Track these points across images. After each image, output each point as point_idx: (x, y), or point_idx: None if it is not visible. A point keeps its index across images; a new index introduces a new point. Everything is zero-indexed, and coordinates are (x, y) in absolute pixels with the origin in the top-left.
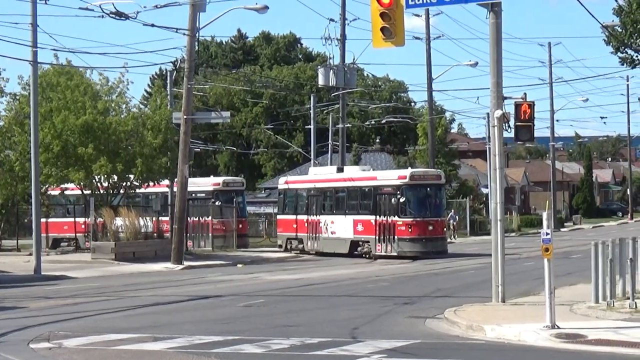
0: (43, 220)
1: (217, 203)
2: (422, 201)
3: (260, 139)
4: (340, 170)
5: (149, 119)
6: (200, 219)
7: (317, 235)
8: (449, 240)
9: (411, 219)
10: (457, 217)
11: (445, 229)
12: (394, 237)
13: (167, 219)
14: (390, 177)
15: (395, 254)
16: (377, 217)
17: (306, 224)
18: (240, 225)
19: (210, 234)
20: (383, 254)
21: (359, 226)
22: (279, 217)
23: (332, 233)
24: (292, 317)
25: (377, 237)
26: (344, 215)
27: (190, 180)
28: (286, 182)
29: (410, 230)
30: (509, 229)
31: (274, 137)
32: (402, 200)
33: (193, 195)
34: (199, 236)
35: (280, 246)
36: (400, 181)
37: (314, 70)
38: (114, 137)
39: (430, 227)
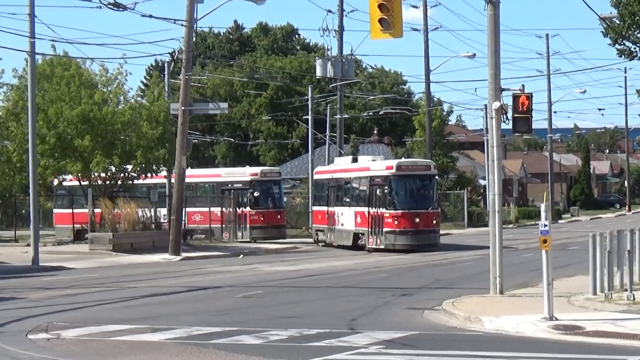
0: (67, 211)
1: (255, 194)
2: (409, 192)
3: (260, 129)
4: (354, 160)
5: (146, 110)
6: (237, 209)
7: (333, 227)
8: None
9: (398, 211)
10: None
11: (436, 221)
12: (382, 230)
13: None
14: (380, 167)
15: (383, 247)
16: (370, 209)
17: (326, 216)
18: (279, 216)
19: (248, 225)
20: (374, 246)
21: (358, 218)
22: (312, 208)
23: (341, 225)
24: (291, 308)
25: (369, 230)
26: (349, 207)
27: (227, 170)
28: (316, 172)
29: (397, 222)
30: (506, 220)
31: (273, 128)
32: (389, 191)
33: (229, 185)
34: (236, 227)
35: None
36: (388, 172)
37: (312, 61)
38: (111, 128)
39: (418, 220)
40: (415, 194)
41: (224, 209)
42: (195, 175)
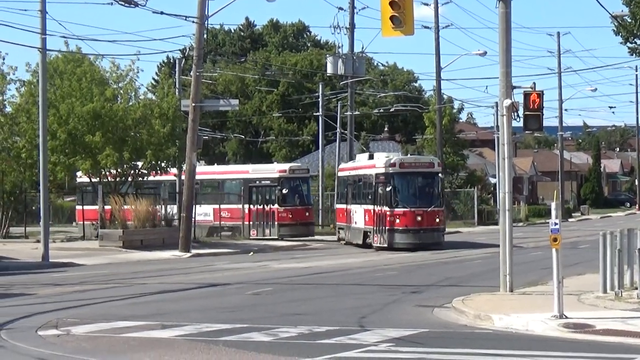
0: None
1: (283, 191)
2: (411, 190)
3: (271, 127)
4: (370, 157)
5: (157, 107)
6: (265, 206)
7: (350, 225)
8: None
9: (400, 209)
10: None
11: (439, 220)
12: (385, 228)
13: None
14: (383, 164)
15: (386, 245)
16: (375, 206)
17: (345, 213)
18: (307, 214)
19: (276, 223)
20: (379, 245)
21: (366, 216)
22: (335, 205)
23: (355, 223)
24: (300, 306)
25: (374, 228)
26: (360, 205)
27: (254, 166)
28: (339, 170)
29: (398, 221)
30: (516, 218)
31: (284, 125)
32: (392, 188)
33: (257, 182)
34: (264, 224)
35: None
36: (391, 169)
37: (324, 58)
38: (122, 124)
39: (420, 218)
40: (418, 191)
41: (251, 206)
42: (223, 172)
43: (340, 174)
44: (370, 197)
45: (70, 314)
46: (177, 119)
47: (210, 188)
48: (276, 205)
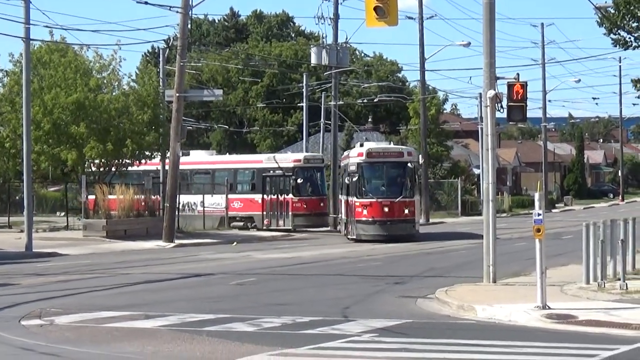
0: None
1: (297, 180)
2: (379, 180)
3: (255, 117)
4: (361, 146)
5: (135, 94)
6: (280, 196)
7: (337, 216)
8: None
9: (367, 200)
10: None
11: (409, 211)
12: (353, 219)
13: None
14: (354, 154)
15: (355, 237)
16: (348, 197)
17: (340, 205)
18: (321, 204)
19: (290, 212)
20: (350, 237)
21: (343, 206)
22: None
23: (341, 214)
24: (284, 296)
25: (346, 219)
26: (345, 196)
27: (269, 156)
28: (341, 160)
29: (365, 212)
30: (500, 209)
31: (269, 116)
32: (359, 179)
33: (271, 172)
34: (278, 214)
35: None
36: (359, 159)
37: (308, 48)
38: (106, 115)
39: (386, 209)
40: (386, 181)
41: (265, 196)
42: (235, 161)
43: (341, 164)
44: (347, 188)
45: (53, 304)
46: (157, 107)
47: (222, 177)
48: (290, 195)
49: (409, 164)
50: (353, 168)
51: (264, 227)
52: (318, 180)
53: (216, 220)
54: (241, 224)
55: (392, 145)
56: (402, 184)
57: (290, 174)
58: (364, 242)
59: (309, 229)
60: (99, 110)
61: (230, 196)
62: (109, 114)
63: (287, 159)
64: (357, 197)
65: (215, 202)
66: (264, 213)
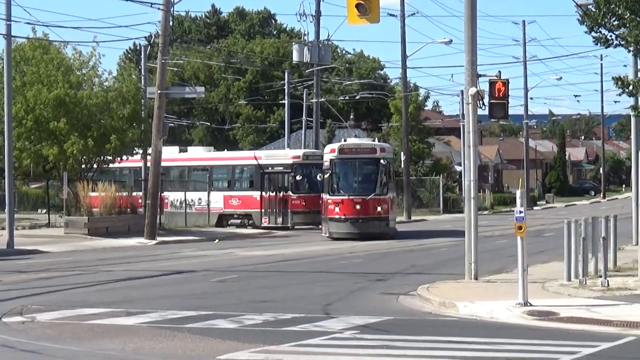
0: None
1: (297, 177)
2: (350, 177)
3: (238, 113)
4: (345, 142)
5: (114, 90)
6: (278, 193)
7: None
8: None
9: (337, 197)
10: None
11: (382, 209)
12: (327, 217)
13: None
14: (328, 151)
15: (327, 235)
16: (324, 195)
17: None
18: (320, 201)
19: (289, 210)
20: (323, 234)
21: (321, 204)
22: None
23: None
24: (266, 293)
25: (322, 217)
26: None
27: (267, 152)
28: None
29: (337, 209)
30: (482, 206)
31: (252, 112)
32: (332, 176)
33: (270, 168)
34: (276, 212)
35: None
36: (332, 155)
37: (290, 45)
38: (86, 111)
39: (358, 207)
40: (357, 178)
41: (263, 193)
42: (233, 157)
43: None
44: (321, 185)
45: (35, 301)
46: (137, 103)
47: (219, 174)
48: (289, 192)
49: (382, 161)
50: (327, 165)
51: (262, 225)
52: (317, 177)
53: (214, 218)
54: (238, 221)
55: (364, 141)
56: (375, 181)
57: (289, 170)
58: (343, 240)
59: (307, 226)
60: (79, 107)
61: (228, 193)
62: (89, 110)
63: (286, 155)
64: (329, 195)
65: (213, 199)
66: (263, 210)
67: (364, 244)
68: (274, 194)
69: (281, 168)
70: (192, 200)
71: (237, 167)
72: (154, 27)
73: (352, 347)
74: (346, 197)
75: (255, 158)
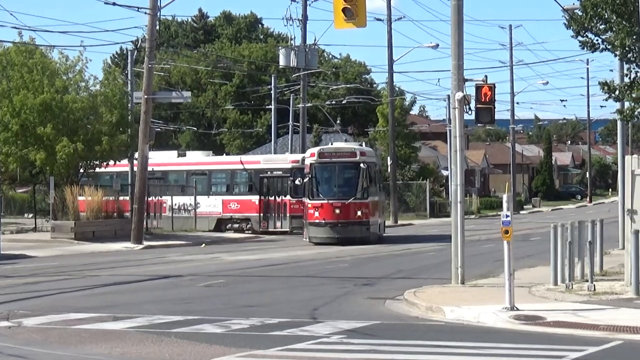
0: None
1: (296, 181)
2: (330, 181)
3: (225, 118)
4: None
5: (103, 96)
6: (277, 198)
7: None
8: None
9: (317, 201)
10: None
11: (362, 213)
12: (307, 222)
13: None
14: (308, 154)
15: (307, 239)
16: (305, 199)
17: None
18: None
19: (288, 214)
20: (304, 239)
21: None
22: None
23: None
24: (252, 298)
25: (303, 222)
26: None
27: (266, 157)
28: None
29: (317, 214)
30: (468, 211)
31: (239, 117)
32: (311, 180)
33: (269, 172)
34: (275, 216)
35: None
36: (312, 159)
37: (277, 50)
38: (72, 116)
39: (338, 211)
40: (337, 182)
41: (262, 198)
42: (232, 162)
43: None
44: (302, 189)
45: (22, 306)
46: (123, 108)
47: (218, 179)
48: (288, 197)
49: (361, 164)
50: (307, 169)
51: (261, 229)
52: None
53: (212, 222)
54: (237, 226)
55: (345, 145)
56: (355, 185)
57: (288, 175)
58: (323, 245)
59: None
60: (65, 111)
61: (227, 197)
62: (75, 114)
63: (285, 159)
64: (309, 199)
65: (211, 203)
66: (261, 215)
67: (351, 249)
68: (272, 198)
69: (280, 172)
70: (190, 204)
71: (236, 171)
72: (140, 31)
73: (339, 352)
74: (326, 202)
75: (254, 162)
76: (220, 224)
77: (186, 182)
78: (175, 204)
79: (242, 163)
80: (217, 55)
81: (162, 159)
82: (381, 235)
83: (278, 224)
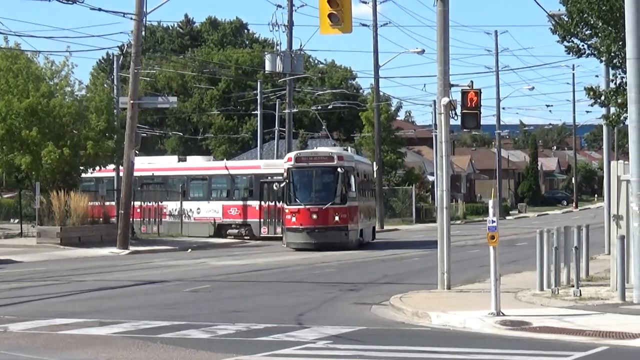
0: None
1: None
2: (307, 186)
3: (211, 123)
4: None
5: (90, 102)
6: (278, 203)
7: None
8: None
9: (294, 207)
10: None
11: (340, 218)
12: (284, 227)
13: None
14: (286, 159)
15: (285, 245)
16: (284, 204)
17: None
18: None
19: None
20: (283, 245)
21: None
22: None
23: None
24: (238, 303)
25: (282, 228)
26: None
27: (266, 162)
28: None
29: (294, 219)
30: (454, 216)
31: (224, 122)
32: (288, 185)
33: (269, 177)
34: (275, 221)
35: None
36: (289, 164)
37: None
38: (58, 120)
39: (315, 216)
40: (314, 187)
41: (262, 203)
42: (233, 167)
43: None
44: (281, 195)
45: (7, 311)
46: (110, 113)
47: (218, 184)
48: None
49: (339, 169)
50: (284, 174)
51: (261, 235)
52: None
53: (212, 228)
54: (236, 231)
55: (322, 150)
56: (333, 190)
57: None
58: (301, 251)
59: None
60: (51, 116)
61: (227, 203)
62: (61, 119)
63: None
64: (286, 204)
65: (212, 208)
66: (262, 220)
67: (336, 254)
68: (272, 203)
69: (281, 177)
70: (190, 209)
71: (236, 176)
72: (126, 36)
73: (325, 357)
74: (303, 207)
75: (255, 167)
76: (221, 230)
77: (187, 187)
78: (175, 209)
79: (242, 168)
80: (203, 61)
81: (162, 164)
82: (365, 241)
83: (278, 229)
